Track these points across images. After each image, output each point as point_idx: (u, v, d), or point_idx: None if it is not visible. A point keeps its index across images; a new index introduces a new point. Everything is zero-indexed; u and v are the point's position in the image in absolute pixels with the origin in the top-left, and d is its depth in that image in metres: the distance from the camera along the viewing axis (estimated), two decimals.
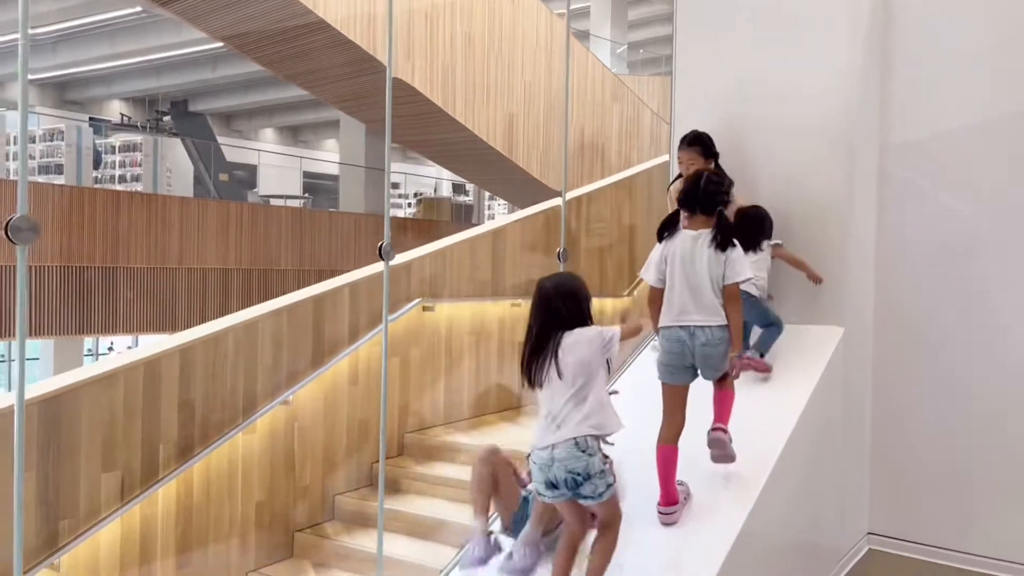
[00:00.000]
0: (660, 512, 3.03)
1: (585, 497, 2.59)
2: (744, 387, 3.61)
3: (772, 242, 3.98)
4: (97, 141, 13.90)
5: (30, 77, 19.42)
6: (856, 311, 4.12)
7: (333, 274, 5.51)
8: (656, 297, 3.17)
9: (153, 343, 4.54)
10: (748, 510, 3.05)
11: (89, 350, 16.63)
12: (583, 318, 2.74)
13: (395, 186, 20.68)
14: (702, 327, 3.04)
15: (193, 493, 4.45)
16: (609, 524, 2.65)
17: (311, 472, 5.03)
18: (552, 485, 2.59)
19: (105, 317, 10.06)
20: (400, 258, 5.54)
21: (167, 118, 17.82)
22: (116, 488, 4.13)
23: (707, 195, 3.14)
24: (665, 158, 5.45)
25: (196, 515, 4.46)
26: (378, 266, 5.45)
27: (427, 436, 5.56)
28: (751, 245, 3.78)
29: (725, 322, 3.06)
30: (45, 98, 19.93)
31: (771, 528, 3.33)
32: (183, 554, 4.41)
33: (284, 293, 5.21)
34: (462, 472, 5.12)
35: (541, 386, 2.68)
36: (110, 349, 16.75)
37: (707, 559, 2.87)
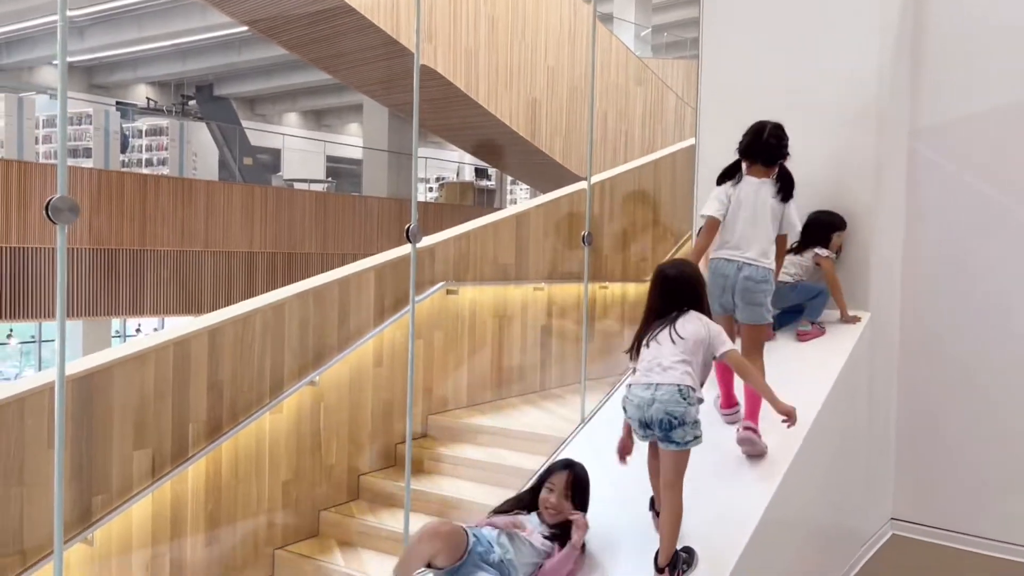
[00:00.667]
0: (723, 414, 3.40)
1: (672, 441, 2.66)
2: (769, 371, 3.61)
3: (825, 253, 3.95)
4: (124, 125, 14.01)
5: (56, 62, 19.61)
6: (883, 296, 4.10)
7: (356, 258, 5.56)
8: (710, 229, 3.36)
9: (179, 325, 4.61)
10: (772, 494, 3.06)
11: (117, 332, 16.88)
12: (700, 301, 2.88)
13: None
14: (750, 263, 3.26)
15: (222, 471, 4.53)
16: (671, 484, 2.69)
17: (336, 452, 5.10)
18: (645, 425, 2.70)
19: (133, 299, 10.20)
20: (424, 242, 5.58)
21: (192, 102, 17.95)
22: (147, 465, 4.21)
23: (768, 146, 3.37)
24: (690, 142, 5.42)
25: (225, 493, 4.54)
26: (402, 250, 5.48)
27: (450, 418, 5.61)
28: (805, 246, 3.95)
29: (772, 266, 3.30)
30: (73, 82, 20.14)
31: (795, 512, 3.34)
32: (212, 531, 4.49)
33: (308, 276, 5.27)
34: (485, 454, 5.18)
35: (649, 345, 2.80)
36: (137, 331, 16.98)
37: (730, 542, 2.89)
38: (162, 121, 15.02)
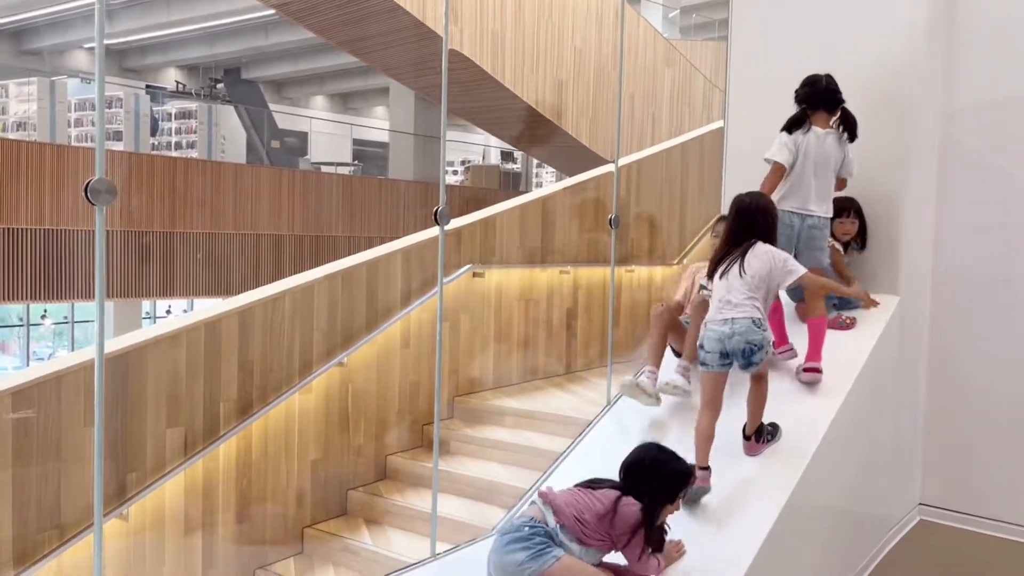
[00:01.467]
0: (776, 354, 3.52)
1: (753, 364, 3.05)
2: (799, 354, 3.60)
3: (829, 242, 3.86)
4: (154, 108, 14.16)
5: (88, 46, 19.83)
6: (913, 280, 4.05)
7: (383, 241, 5.61)
8: (775, 174, 3.55)
9: (209, 306, 4.68)
10: (798, 477, 3.06)
11: (147, 313, 17.12)
12: (771, 233, 3.19)
13: None
14: (813, 215, 3.57)
15: (252, 450, 4.61)
16: (763, 376, 3.13)
17: (364, 432, 5.16)
18: (725, 355, 3.04)
19: (163, 281, 10.35)
20: (451, 225, 5.61)
21: (221, 85, 18.07)
22: (180, 443, 4.30)
23: (829, 92, 3.55)
24: (718, 124, 5.38)
25: (255, 471, 4.62)
26: (429, 232, 5.51)
27: (477, 400, 5.65)
28: None
29: (831, 214, 3.63)
30: (104, 66, 20.31)
31: (821, 495, 3.34)
32: (243, 508, 4.58)
33: (335, 259, 5.32)
34: (511, 435, 5.21)
35: (722, 277, 3.13)
36: (168, 312, 17.21)
37: (756, 524, 2.89)
38: (191, 104, 15.15)
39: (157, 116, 14.39)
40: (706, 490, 2.98)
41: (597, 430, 3.72)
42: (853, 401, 3.44)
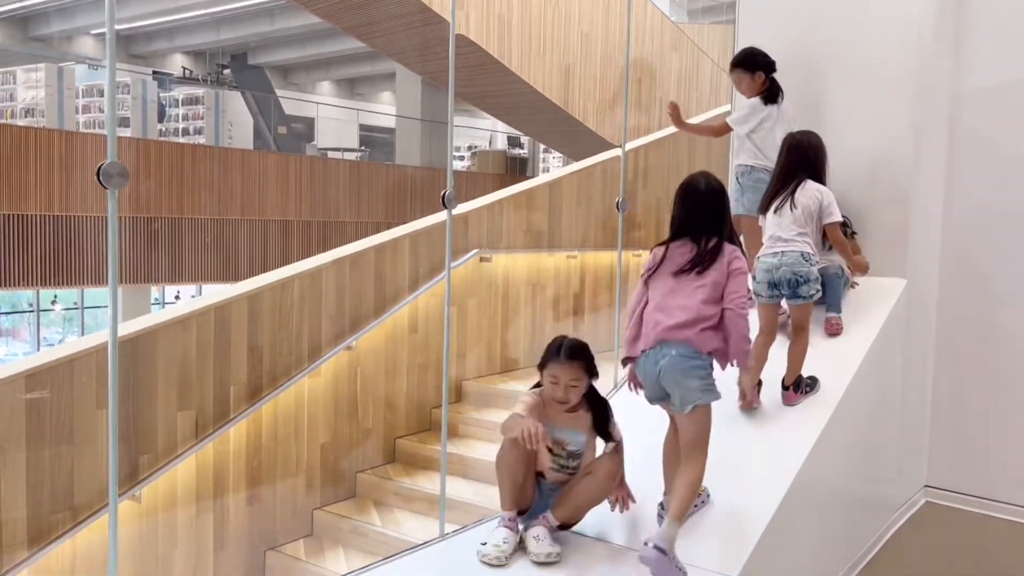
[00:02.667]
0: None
1: (799, 296, 3.19)
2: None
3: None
4: (161, 94, 14.17)
5: (95, 32, 19.83)
6: (920, 263, 4.05)
7: (390, 226, 5.62)
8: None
9: (217, 291, 4.71)
10: (803, 459, 3.07)
11: (156, 299, 17.21)
12: (821, 170, 3.36)
13: None
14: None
15: (262, 433, 4.65)
16: (804, 328, 3.26)
17: (373, 415, 5.20)
18: (774, 285, 3.21)
19: (172, 266, 10.40)
20: (458, 210, 5.62)
21: (227, 71, 18.06)
22: (191, 426, 4.34)
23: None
24: (726, 108, 5.37)
25: (265, 454, 4.67)
26: (436, 217, 5.53)
27: (484, 383, 5.68)
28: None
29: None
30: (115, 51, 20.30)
31: (826, 478, 3.36)
32: (253, 490, 4.63)
33: (342, 244, 5.35)
34: None
35: (776, 213, 3.29)
36: (176, 298, 17.29)
37: (760, 506, 2.91)
38: (198, 90, 15.16)
39: (164, 102, 14.41)
40: (755, 409, 3.20)
41: None
42: (859, 383, 3.45)
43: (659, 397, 2.61)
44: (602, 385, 4.04)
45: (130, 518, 4.13)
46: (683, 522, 2.51)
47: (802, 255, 3.19)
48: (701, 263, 2.56)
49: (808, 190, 3.29)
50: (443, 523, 3.37)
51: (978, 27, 4.02)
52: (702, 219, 2.60)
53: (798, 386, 3.24)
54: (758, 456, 3.10)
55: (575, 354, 2.61)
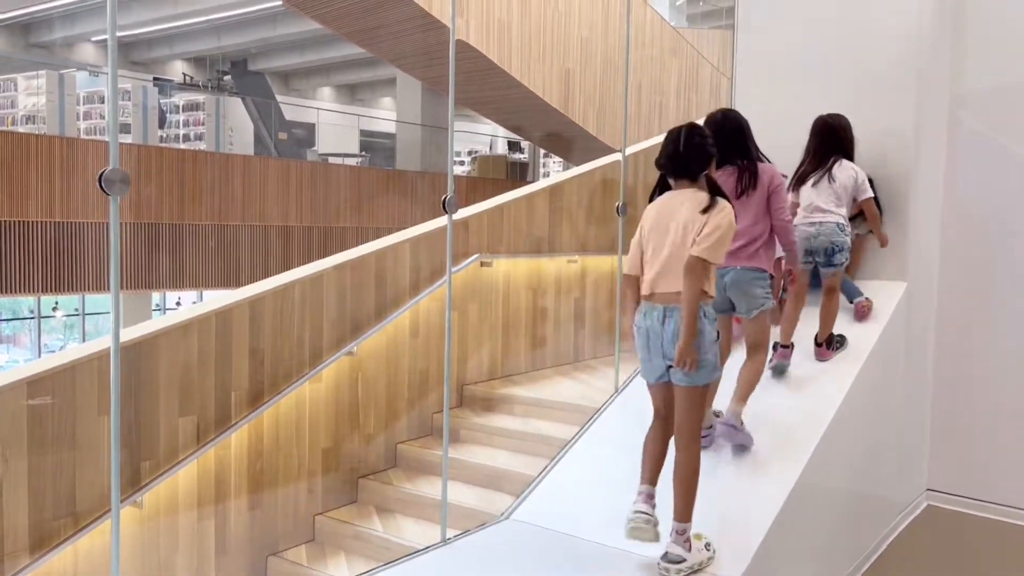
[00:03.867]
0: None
1: (833, 264, 3.52)
2: (803, 342, 3.62)
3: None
4: (162, 101, 14.18)
5: (96, 39, 19.87)
6: (920, 266, 4.06)
7: (390, 231, 5.63)
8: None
9: (219, 297, 4.72)
10: (804, 462, 3.08)
11: (157, 305, 17.22)
12: (851, 150, 3.63)
13: None
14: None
15: (263, 438, 4.65)
16: (835, 290, 3.60)
17: (374, 421, 5.20)
18: (809, 252, 3.53)
19: (172, 272, 10.41)
20: (458, 214, 5.63)
21: (228, 77, 18.08)
22: (192, 432, 4.34)
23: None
24: None
25: (267, 459, 4.67)
26: (437, 222, 5.54)
27: (485, 388, 5.69)
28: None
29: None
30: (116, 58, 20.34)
31: (827, 481, 3.36)
32: (255, 495, 4.63)
33: (343, 249, 5.35)
34: (519, 423, 5.24)
35: (815, 186, 3.58)
36: (178, 304, 17.30)
37: (762, 510, 2.92)
38: (199, 97, 15.18)
39: (165, 108, 14.43)
40: (787, 365, 3.47)
41: (605, 417, 3.75)
42: (861, 386, 3.46)
43: (724, 309, 3.14)
44: (603, 389, 4.04)
45: (132, 524, 4.12)
46: (747, 403, 3.10)
47: (838, 226, 3.51)
48: (744, 190, 3.07)
49: (845, 168, 3.60)
50: (445, 528, 3.37)
51: (977, 30, 4.03)
52: (732, 147, 3.07)
53: (830, 343, 3.57)
54: (760, 459, 3.11)
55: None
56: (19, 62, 17.27)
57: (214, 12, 17.87)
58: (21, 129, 11.95)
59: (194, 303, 13.37)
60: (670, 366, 2.62)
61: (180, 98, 15.09)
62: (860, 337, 3.66)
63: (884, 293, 3.88)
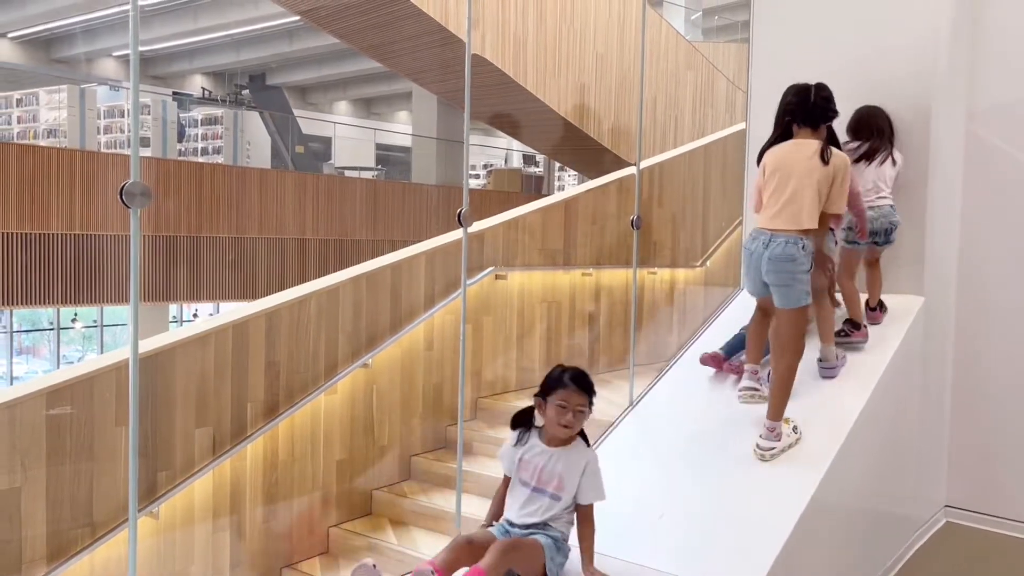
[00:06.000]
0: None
1: (889, 241, 3.78)
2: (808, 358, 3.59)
3: None
4: (180, 115, 14.35)
5: (116, 54, 20.13)
6: (938, 280, 4.04)
7: (406, 244, 5.66)
8: None
9: (235, 309, 4.75)
10: (820, 478, 3.06)
11: (174, 317, 17.34)
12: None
13: None
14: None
15: (279, 450, 4.67)
16: (878, 259, 3.86)
17: (389, 433, 5.21)
18: (874, 233, 3.77)
19: (190, 285, 10.48)
20: (473, 227, 5.65)
21: (246, 92, 18.27)
22: (208, 443, 4.37)
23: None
24: (741, 126, 5.38)
25: (282, 471, 4.69)
26: (452, 235, 5.56)
27: (499, 401, 5.69)
28: None
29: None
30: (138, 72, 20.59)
31: (845, 495, 3.34)
32: (270, 507, 4.64)
33: (359, 262, 5.39)
34: None
35: (880, 164, 3.74)
36: (195, 316, 17.41)
37: (777, 525, 2.90)
38: (217, 111, 15.34)
39: (184, 122, 14.59)
40: (864, 342, 3.62)
41: (619, 431, 3.74)
42: (877, 401, 3.44)
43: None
44: (618, 403, 4.03)
45: (148, 534, 4.15)
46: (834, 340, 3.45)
47: (891, 205, 3.73)
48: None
49: (898, 154, 3.80)
50: None
51: (992, 46, 4.02)
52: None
53: (881, 307, 3.82)
54: (775, 474, 3.09)
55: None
56: (41, 77, 17.54)
57: (233, 27, 18.08)
58: (43, 143, 12.13)
59: (210, 315, 13.46)
60: (767, 284, 3.10)
61: (199, 112, 15.27)
62: (876, 351, 3.64)
63: (901, 307, 3.86)
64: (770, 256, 3.05)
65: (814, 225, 3.07)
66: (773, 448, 3.10)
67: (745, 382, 3.38)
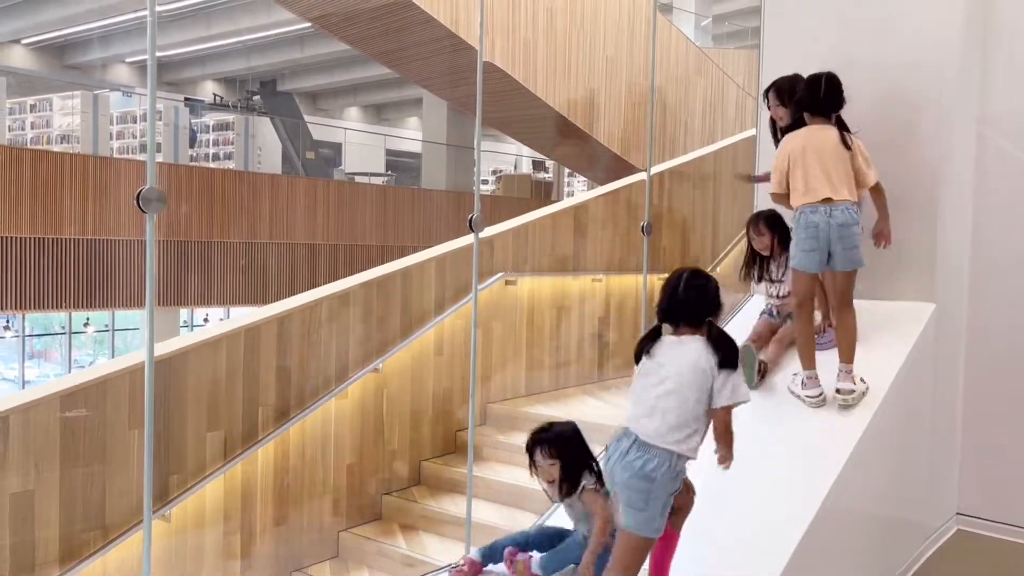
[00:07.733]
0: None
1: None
2: (827, 361, 3.59)
3: None
4: (192, 120, 14.45)
5: (129, 60, 20.28)
6: (949, 287, 4.02)
7: (416, 250, 5.69)
8: None
9: (247, 314, 4.78)
10: (830, 485, 3.05)
11: (185, 322, 17.41)
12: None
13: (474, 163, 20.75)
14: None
15: (290, 454, 4.69)
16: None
17: (399, 437, 5.22)
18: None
19: (201, 289, 10.54)
20: (483, 233, 5.66)
21: (257, 98, 18.36)
22: (220, 447, 4.39)
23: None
24: (751, 132, 5.38)
25: (292, 475, 4.70)
26: (462, 241, 5.58)
27: (509, 406, 5.69)
28: None
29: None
30: (144, 79, 20.78)
31: (854, 504, 3.33)
32: (280, 511, 4.66)
33: (369, 268, 5.41)
34: None
35: None
36: (205, 321, 17.48)
37: (788, 532, 2.89)
38: (228, 116, 15.43)
39: (195, 128, 14.68)
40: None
41: None
42: (888, 408, 3.43)
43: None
44: (627, 406, 4.02)
45: (160, 537, 4.17)
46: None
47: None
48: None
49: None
50: (469, 546, 3.39)
51: (1004, 49, 4.01)
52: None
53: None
54: (784, 481, 3.09)
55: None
56: (55, 83, 17.67)
57: (245, 33, 18.19)
58: (56, 148, 12.24)
59: (221, 320, 13.52)
60: (830, 256, 3.21)
61: (210, 118, 15.36)
62: (887, 359, 3.63)
63: (912, 314, 3.84)
64: (840, 223, 3.19)
65: (855, 197, 3.28)
66: (853, 391, 3.21)
67: (810, 391, 3.34)
